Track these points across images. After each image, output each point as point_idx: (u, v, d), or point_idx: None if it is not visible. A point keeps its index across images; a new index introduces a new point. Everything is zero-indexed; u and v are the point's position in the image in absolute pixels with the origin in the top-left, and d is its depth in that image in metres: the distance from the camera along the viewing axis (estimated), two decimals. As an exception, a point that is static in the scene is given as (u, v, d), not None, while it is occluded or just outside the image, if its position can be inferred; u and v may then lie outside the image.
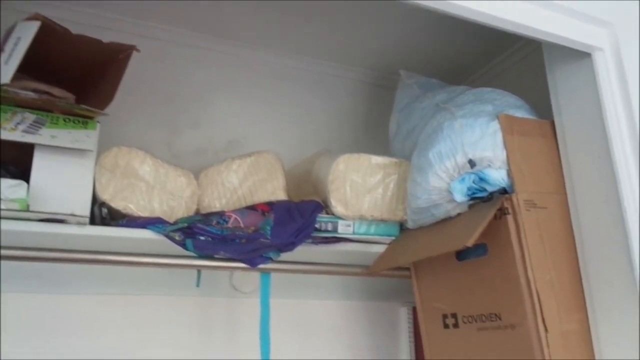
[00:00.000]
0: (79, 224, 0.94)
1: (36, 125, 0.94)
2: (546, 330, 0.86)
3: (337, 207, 1.13)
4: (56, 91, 0.96)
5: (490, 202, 0.96)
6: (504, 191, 0.96)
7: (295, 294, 1.38)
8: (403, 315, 1.47)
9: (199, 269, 1.07)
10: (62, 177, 0.96)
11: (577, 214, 0.94)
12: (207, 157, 1.38)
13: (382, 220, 1.16)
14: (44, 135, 0.93)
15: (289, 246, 1.06)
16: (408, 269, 1.17)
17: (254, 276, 1.26)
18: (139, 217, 1.04)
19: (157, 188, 1.09)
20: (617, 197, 0.86)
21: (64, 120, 0.97)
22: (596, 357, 0.85)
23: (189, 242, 1.01)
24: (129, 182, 1.05)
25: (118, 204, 1.04)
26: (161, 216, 1.06)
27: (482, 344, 0.97)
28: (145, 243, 1.04)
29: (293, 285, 1.38)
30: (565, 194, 0.97)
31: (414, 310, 1.45)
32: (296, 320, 1.37)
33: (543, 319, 0.86)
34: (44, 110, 0.96)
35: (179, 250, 1.03)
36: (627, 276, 0.84)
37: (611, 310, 0.85)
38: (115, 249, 1.02)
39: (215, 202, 1.15)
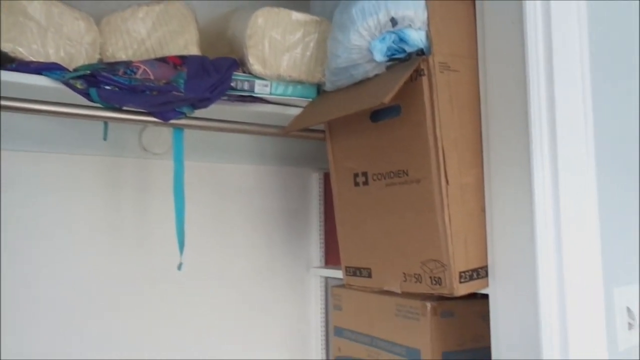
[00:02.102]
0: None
1: None
2: (447, 182, 0.93)
3: (254, 65, 1.09)
4: None
5: (408, 62, 0.97)
6: (421, 52, 0.97)
7: (210, 157, 1.37)
8: (315, 181, 1.53)
9: (105, 120, 1.01)
10: None
11: (485, 78, 0.98)
12: (109, 3, 1.24)
13: (300, 82, 1.14)
14: None
15: (204, 102, 1.02)
16: (323, 131, 1.19)
17: (166, 136, 1.22)
18: (32, 62, 0.93)
19: (52, 31, 0.97)
20: (522, 61, 0.91)
21: None
22: (486, 206, 0.95)
23: (93, 91, 0.93)
24: (16, 21, 0.92)
25: (4, 46, 0.92)
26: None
27: (389, 199, 1.04)
28: (42, 92, 0.95)
29: (207, 147, 1.36)
30: (477, 58, 1.00)
31: (325, 175, 1.52)
32: (210, 184, 1.37)
33: (445, 173, 0.94)
34: None
35: (82, 101, 0.96)
36: (522, 137, 0.91)
37: (504, 166, 0.94)
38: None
39: (121, 52, 1.06)
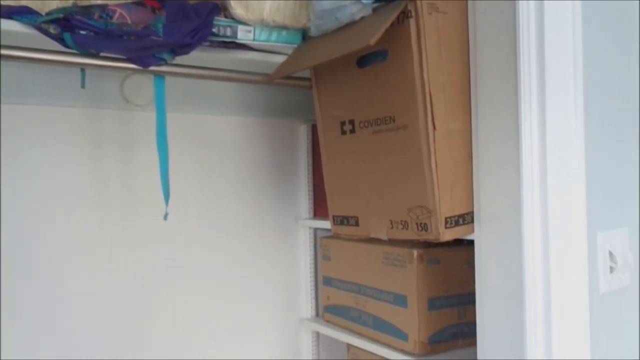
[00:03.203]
0: None
1: None
2: (434, 128, 0.92)
3: (236, 8, 1.05)
4: None
5: (395, 3, 0.94)
6: (409, -7, 0.94)
7: (194, 108, 1.34)
8: (302, 132, 1.51)
9: (82, 67, 0.97)
10: None
11: (474, 21, 0.95)
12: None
13: (284, 27, 1.11)
14: None
15: (185, 48, 0.99)
16: (309, 79, 1.16)
17: (148, 88, 1.19)
18: (1, 6, 0.88)
19: (21, -28, 0.92)
20: (513, 5, 0.88)
21: None
22: (473, 152, 0.94)
23: (67, 36, 0.89)
24: (-18, -40, 0.87)
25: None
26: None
27: (376, 146, 1.02)
28: (13, 37, 0.91)
29: (191, 98, 1.33)
30: None
31: (313, 127, 1.50)
32: (195, 136, 1.35)
33: (432, 119, 0.92)
34: None
35: (56, 48, 0.92)
36: (511, 83, 0.90)
37: (492, 112, 0.92)
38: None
39: (96, -5, 1.01)
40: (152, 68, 0.99)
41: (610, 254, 0.94)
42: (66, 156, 1.18)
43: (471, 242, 0.97)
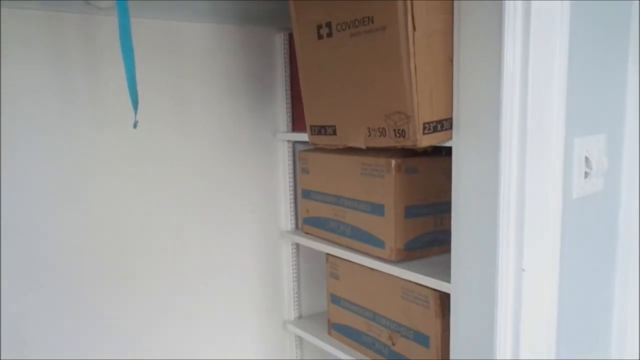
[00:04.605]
0: None
1: None
2: (414, 29, 0.88)
3: None
4: None
5: None
6: None
7: (162, 13, 1.26)
8: (279, 42, 1.44)
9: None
10: None
11: None
12: None
13: None
14: None
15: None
16: (284, -21, 1.09)
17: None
18: None
19: None
20: None
21: None
22: (454, 55, 0.90)
23: None
24: None
25: None
26: None
27: (354, 51, 0.98)
28: None
29: (159, 1, 1.25)
30: None
31: (290, 37, 1.43)
32: (166, 44, 1.28)
33: (412, 18, 0.87)
34: None
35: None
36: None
37: (475, 12, 0.88)
38: None
39: None
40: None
41: (587, 159, 0.94)
42: (26, 65, 1.11)
43: (449, 153, 0.96)
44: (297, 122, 1.47)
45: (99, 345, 1.24)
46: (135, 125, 0.98)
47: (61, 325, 1.19)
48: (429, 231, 1.17)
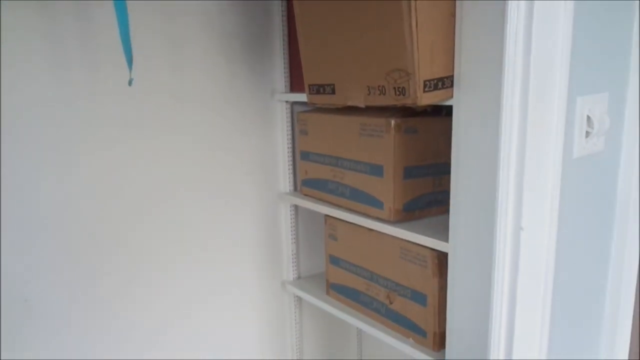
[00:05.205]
0: None
1: None
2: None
3: None
4: None
5: None
6: None
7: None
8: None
9: None
10: None
11: None
12: None
13: None
14: None
15: None
16: None
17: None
18: None
19: None
20: None
21: None
22: (457, 10, 0.88)
23: None
24: None
25: None
26: None
27: (354, 7, 0.96)
28: None
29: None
30: None
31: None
32: (160, 5, 1.24)
33: (414, -29, 0.85)
34: None
35: None
36: None
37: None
38: None
39: None
40: None
41: (588, 118, 0.93)
42: (17, 31, 1.08)
43: (449, 113, 0.95)
44: (295, 82, 1.44)
45: (99, 303, 1.26)
46: (130, 83, 0.97)
47: (62, 284, 1.20)
48: (427, 192, 1.17)
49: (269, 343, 1.58)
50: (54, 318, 1.20)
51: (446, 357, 1.05)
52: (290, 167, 1.50)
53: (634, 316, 1.09)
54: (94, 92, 1.18)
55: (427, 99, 0.91)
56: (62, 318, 1.21)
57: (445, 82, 0.92)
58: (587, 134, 0.94)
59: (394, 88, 0.92)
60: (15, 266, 1.14)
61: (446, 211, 1.02)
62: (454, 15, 0.89)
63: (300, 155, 1.41)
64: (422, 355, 1.13)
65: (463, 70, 0.90)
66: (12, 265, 1.13)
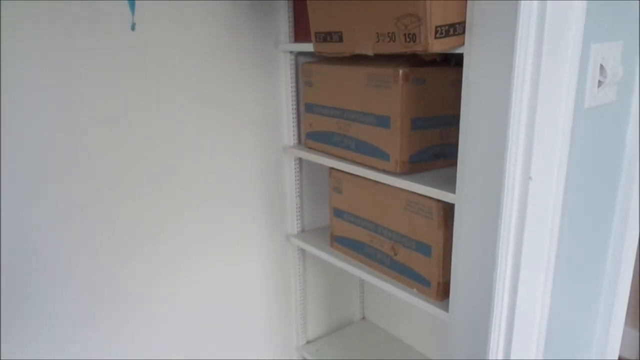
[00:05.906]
0: None
1: None
2: None
3: None
4: None
5: None
6: None
7: None
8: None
9: None
10: None
11: None
12: None
13: None
14: None
15: None
16: None
17: None
18: None
19: None
20: None
21: None
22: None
23: None
24: None
25: None
26: None
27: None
28: None
29: None
30: None
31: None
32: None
33: None
34: None
35: None
36: None
37: None
38: None
39: None
40: None
41: (602, 67, 0.91)
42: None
43: (458, 63, 0.93)
44: (299, 32, 1.41)
45: (107, 253, 1.27)
46: (133, 28, 0.94)
47: (69, 235, 1.20)
48: (434, 144, 1.16)
49: (274, 295, 1.60)
50: (61, 270, 1.21)
51: (450, 307, 1.07)
52: (295, 119, 1.48)
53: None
54: (97, 41, 1.14)
55: (438, 46, 0.88)
56: (69, 270, 1.22)
57: (457, 29, 0.89)
58: (600, 83, 0.92)
59: (404, 34, 0.90)
60: (23, 217, 1.14)
61: (452, 164, 1.02)
62: (468, -44, 0.86)
63: (304, 108, 1.39)
64: (426, 305, 1.15)
65: (475, 15, 0.87)
66: (19, 216, 1.13)
